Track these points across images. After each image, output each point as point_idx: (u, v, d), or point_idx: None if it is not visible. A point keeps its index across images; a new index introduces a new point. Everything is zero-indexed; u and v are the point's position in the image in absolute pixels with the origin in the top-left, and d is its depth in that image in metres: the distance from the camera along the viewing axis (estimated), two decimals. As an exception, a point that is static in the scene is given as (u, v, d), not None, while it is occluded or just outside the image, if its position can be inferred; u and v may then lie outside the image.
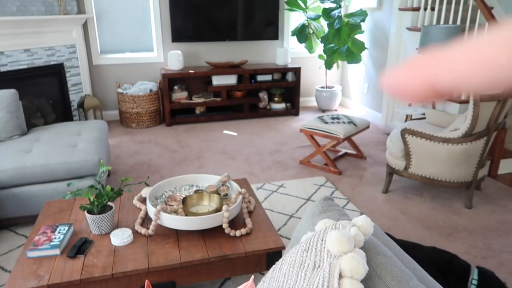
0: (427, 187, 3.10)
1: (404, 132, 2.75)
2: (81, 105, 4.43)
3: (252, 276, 0.91)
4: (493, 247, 2.34)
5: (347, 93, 5.53)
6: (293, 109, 5.10)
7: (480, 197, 2.94)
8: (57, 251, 1.71)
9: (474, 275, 1.80)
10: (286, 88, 5.22)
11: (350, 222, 1.12)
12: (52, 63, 4.14)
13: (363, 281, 1.02)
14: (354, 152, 3.79)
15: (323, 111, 5.35)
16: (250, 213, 2.04)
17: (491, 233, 2.48)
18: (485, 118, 2.55)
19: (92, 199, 1.83)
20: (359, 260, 0.97)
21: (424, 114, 3.86)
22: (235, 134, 4.38)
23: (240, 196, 1.98)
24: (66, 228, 1.85)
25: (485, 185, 3.13)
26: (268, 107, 5.11)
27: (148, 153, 3.81)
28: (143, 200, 2.14)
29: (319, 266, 1.01)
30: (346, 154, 3.77)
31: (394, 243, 1.28)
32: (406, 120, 4.03)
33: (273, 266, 1.14)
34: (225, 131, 4.47)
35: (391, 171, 2.97)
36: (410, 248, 1.93)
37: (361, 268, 0.95)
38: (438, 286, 1.11)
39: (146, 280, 0.89)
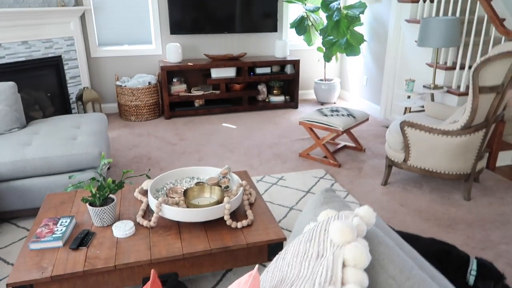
0: (426, 179, 3.12)
1: (403, 124, 2.76)
2: (79, 98, 4.41)
3: (257, 265, 0.92)
4: (491, 238, 2.36)
5: (346, 85, 5.53)
6: (292, 102, 5.10)
7: (479, 189, 2.96)
8: (59, 243, 1.72)
9: (473, 266, 1.82)
10: (285, 80, 5.21)
11: (353, 212, 1.13)
12: (50, 55, 4.11)
13: (365, 271, 1.03)
14: (353, 144, 3.80)
15: (322, 103, 5.35)
16: (251, 205, 2.05)
17: (489, 225, 2.50)
18: (484, 110, 2.56)
19: (94, 192, 1.84)
20: (362, 249, 0.98)
21: (423, 107, 3.87)
22: (234, 127, 4.38)
23: (241, 188, 1.99)
24: (68, 220, 1.86)
25: (483, 177, 3.15)
26: (267, 100, 5.11)
27: (147, 146, 3.81)
28: (144, 193, 2.15)
29: (322, 256, 1.02)
30: (345, 146, 3.78)
31: (395, 233, 1.30)
32: (405, 113, 4.04)
33: (277, 256, 1.15)
34: (224, 124, 4.47)
35: (390, 164, 2.98)
36: (409, 239, 1.95)
37: (365, 257, 0.97)
38: (439, 274, 1.13)
39: (152, 270, 0.90)
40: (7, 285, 1.50)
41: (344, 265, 0.99)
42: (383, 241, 1.13)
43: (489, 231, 2.43)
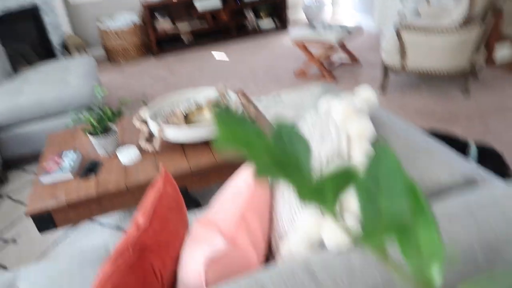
0: (424, 81, 3.10)
1: (399, 27, 2.68)
2: (64, 46, 4.27)
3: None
4: (490, 128, 2.40)
5: (336, 1, 5.32)
6: (282, 25, 4.93)
7: (477, 86, 2.95)
8: (69, 174, 1.75)
9: (473, 150, 1.86)
10: (273, 4, 5.00)
11: (353, 94, 1.13)
12: (26, 6, 3.91)
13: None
14: (349, 61, 3.73)
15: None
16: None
17: (488, 116, 2.52)
18: (481, 2, 2.47)
19: (94, 123, 1.83)
20: (366, 122, 0.99)
21: (418, 11, 3.74)
22: (225, 57, 4.28)
23: (240, 105, 1.98)
24: (73, 153, 1.88)
25: (482, 76, 3.13)
26: (256, 27, 4.94)
27: (140, 85, 3.76)
28: (143, 120, 2.14)
29: (327, 135, 1.03)
30: (341, 64, 3.72)
31: (395, 117, 1.30)
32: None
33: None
34: (215, 56, 4.36)
35: (388, 70, 2.95)
36: (411, 134, 1.97)
37: (368, 129, 0.97)
38: (441, 145, 1.15)
39: (161, 164, 0.91)
40: (25, 213, 1.55)
41: (349, 140, 1.00)
42: (384, 121, 1.13)
43: (488, 121, 2.46)
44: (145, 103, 1.97)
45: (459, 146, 1.85)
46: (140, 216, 0.85)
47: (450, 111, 2.65)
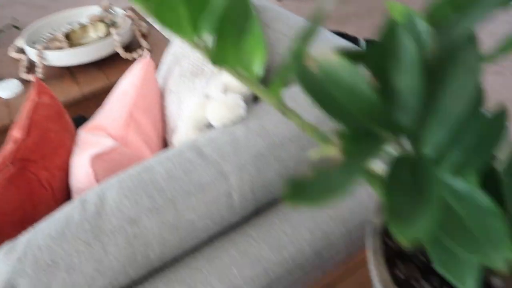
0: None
1: None
2: None
3: (148, 54, 0.89)
4: (377, 24, 2.56)
5: None
6: None
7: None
8: None
9: (362, 43, 1.99)
10: None
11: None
12: None
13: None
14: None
15: None
16: (144, 36, 1.93)
17: (377, 14, 2.67)
18: None
19: (-45, 55, 1.58)
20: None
21: None
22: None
23: (129, 19, 1.84)
24: None
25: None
26: None
27: (14, 15, 3.27)
28: (20, 50, 1.90)
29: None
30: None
31: (280, 8, 1.31)
32: None
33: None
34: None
35: (282, -24, 2.91)
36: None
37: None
38: (325, 30, 1.19)
39: (32, 77, 0.82)
40: None
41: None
42: (269, 7, 1.13)
43: (377, 19, 2.61)
44: (17, 28, 1.73)
45: (351, 41, 1.96)
46: (16, 130, 0.78)
47: (342, 13, 2.75)
